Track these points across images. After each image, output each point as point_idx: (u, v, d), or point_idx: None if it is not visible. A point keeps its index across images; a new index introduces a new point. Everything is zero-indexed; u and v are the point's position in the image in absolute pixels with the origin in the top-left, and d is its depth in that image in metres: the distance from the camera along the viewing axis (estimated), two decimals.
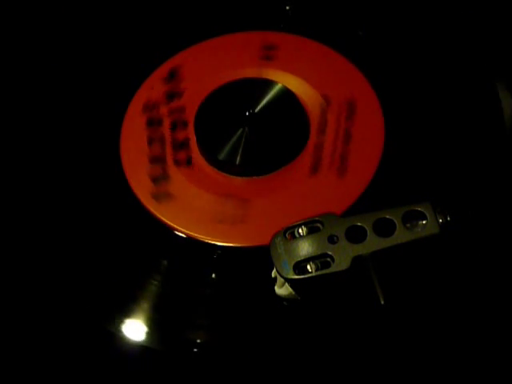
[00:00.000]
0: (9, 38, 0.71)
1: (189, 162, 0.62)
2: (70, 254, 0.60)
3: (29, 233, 0.61)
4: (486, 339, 0.53)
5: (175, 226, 0.59)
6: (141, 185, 0.62)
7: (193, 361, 0.55)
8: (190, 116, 0.64)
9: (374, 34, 0.68)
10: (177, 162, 0.62)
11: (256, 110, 0.62)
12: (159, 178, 0.62)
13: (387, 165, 0.60)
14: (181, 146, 0.63)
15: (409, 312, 0.54)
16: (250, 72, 0.65)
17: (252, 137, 0.61)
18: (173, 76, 0.67)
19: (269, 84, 0.63)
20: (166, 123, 0.64)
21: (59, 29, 0.72)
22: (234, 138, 0.61)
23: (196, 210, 0.60)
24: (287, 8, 0.71)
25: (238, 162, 0.60)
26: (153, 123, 0.64)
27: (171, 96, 0.66)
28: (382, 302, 0.51)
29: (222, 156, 0.61)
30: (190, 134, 0.63)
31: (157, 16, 0.72)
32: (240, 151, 0.61)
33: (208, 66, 0.67)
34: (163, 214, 0.60)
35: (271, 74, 0.65)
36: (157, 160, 0.63)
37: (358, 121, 0.62)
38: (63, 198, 0.62)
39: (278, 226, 0.55)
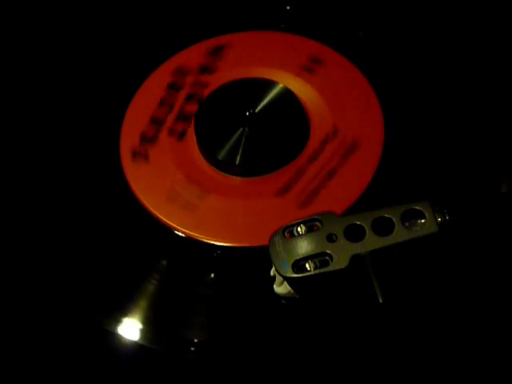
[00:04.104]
0: (16, 30, 0.72)
1: (181, 135, 0.62)
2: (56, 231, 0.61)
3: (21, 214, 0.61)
4: (485, 338, 0.53)
5: (133, 187, 0.60)
6: (129, 138, 0.63)
7: (191, 360, 0.55)
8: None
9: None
10: (171, 132, 0.63)
11: (256, 110, 0.62)
12: (147, 139, 0.62)
13: (386, 164, 0.60)
14: (184, 118, 0.63)
15: (407, 311, 0.54)
16: (284, 77, 0.64)
17: (252, 137, 0.61)
18: (216, 52, 0.67)
19: (269, 84, 0.63)
20: (184, 92, 0.65)
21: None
22: (234, 138, 0.61)
23: (158, 181, 0.60)
24: (287, 8, 0.71)
25: (238, 162, 0.60)
26: (173, 87, 0.65)
27: (204, 69, 0.66)
28: (381, 301, 0.51)
29: (221, 156, 0.61)
30: None
31: None
32: (240, 151, 0.61)
33: (253, 56, 0.67)
34: (130, 171, 0.61)
35: (303, 87, 0.64)
36: (156, 122, 0.63)
37: (353, 161, 0.61)
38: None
39: (221, 229, 0.58)
